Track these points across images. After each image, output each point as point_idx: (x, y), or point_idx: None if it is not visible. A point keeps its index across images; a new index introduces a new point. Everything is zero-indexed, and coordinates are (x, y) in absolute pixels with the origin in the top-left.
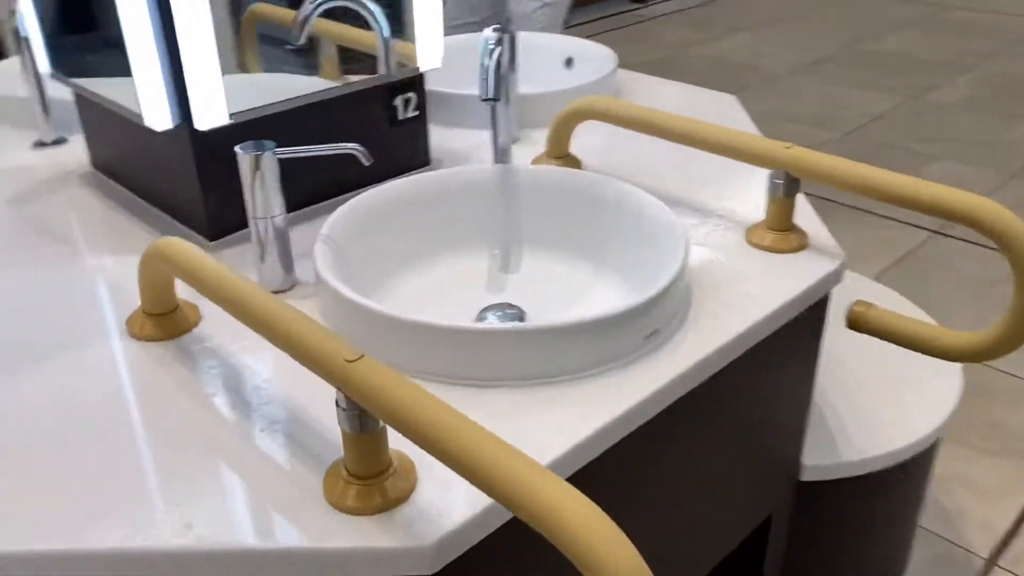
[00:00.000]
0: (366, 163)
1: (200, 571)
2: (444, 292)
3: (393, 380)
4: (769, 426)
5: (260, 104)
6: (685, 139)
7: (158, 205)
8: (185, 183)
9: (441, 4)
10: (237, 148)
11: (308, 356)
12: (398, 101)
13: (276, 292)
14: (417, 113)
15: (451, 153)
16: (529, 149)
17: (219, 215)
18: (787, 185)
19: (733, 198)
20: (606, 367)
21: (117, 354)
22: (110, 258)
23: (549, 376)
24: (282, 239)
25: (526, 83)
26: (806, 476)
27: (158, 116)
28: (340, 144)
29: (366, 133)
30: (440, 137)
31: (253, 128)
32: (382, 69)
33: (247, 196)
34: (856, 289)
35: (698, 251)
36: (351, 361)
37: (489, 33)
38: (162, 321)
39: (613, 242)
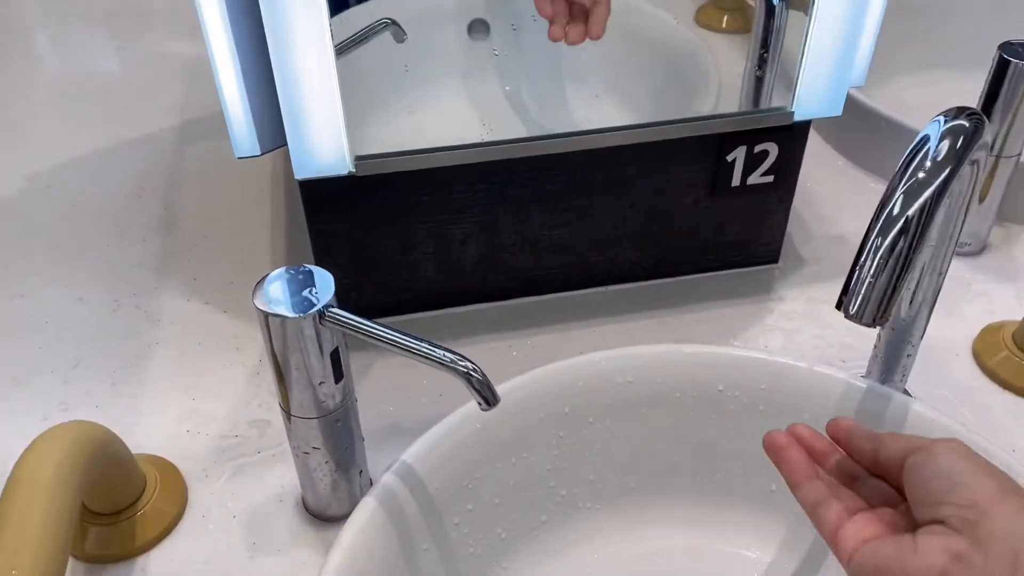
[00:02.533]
0: (484, 408)
1: None
2: None
3: None
4: None
5: (424, 146)
6: None
7: None
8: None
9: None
10: (257, 298)
11: None
12: (736, 154)
13: (326, 519)
14: (772, 178)
15: (826, 246)
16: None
17: (340, 295)
18: None
19: None
20: None
21: None
22: None
23: None
24: (334, 440)
25: None
26: None
27: (238, 130)
28: (451, 355)
29: (652, 200)
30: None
31: (416, 182)
32: (742, 100)
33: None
34: None
35: None
36: None
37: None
38: None
39: None
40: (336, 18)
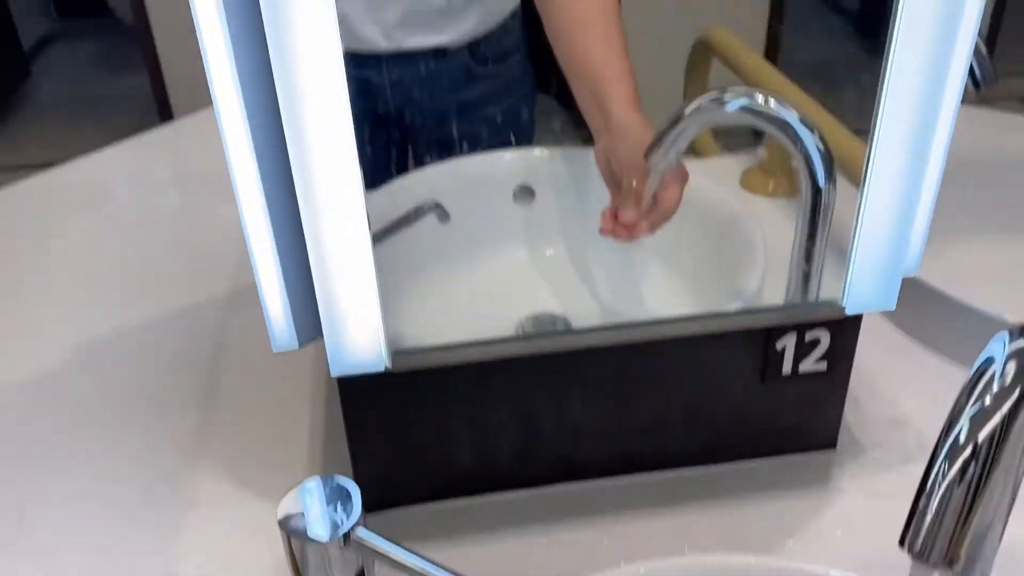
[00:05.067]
0: None
1: None
2: None
3: None
4: None
5: (462, 336)
6: None
7: None
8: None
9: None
10: (281, 512)
11: None
12: (785, 342)
13: None
14: (825, 366)
15: (885, 430)
16: None
17: (376, 482)
18: None
19: None
20: None
21: None
22: None
23: None
24: None
25: None
26: None
27: (277, 326)
28: None
29: (699, 388)
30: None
31: (453, 374)
32: (791, 292)
33: None
34: None
35: None
36: None
37: None
38: None
39: None
40: (382, 190)
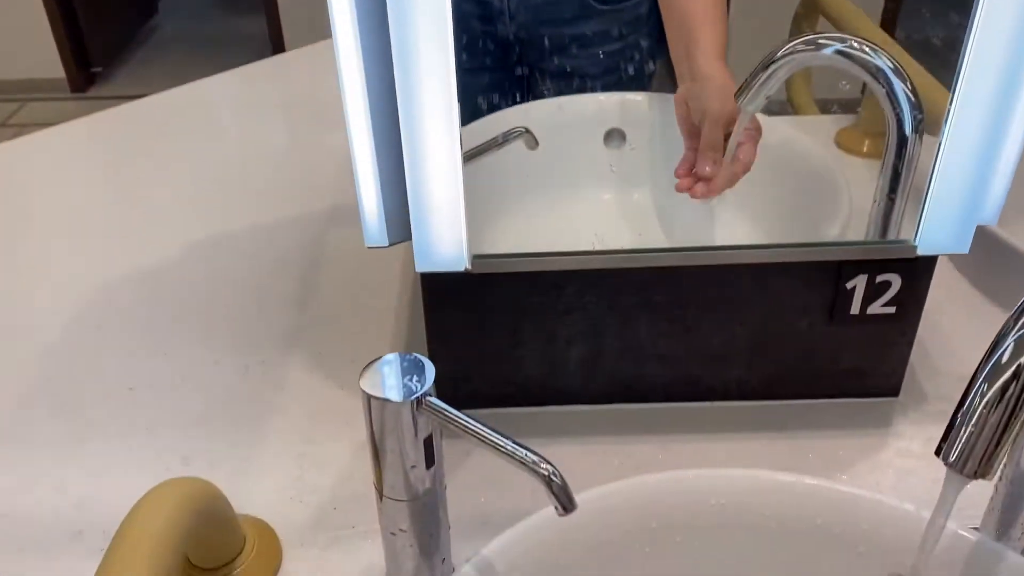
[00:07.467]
0: (560, 513)
1: None
2: None
3: None
4: None
5: (539, 249)
6: None
7: None
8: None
9: None
10: (362, 378)
11: None
12: (856, 282)
13: None
14: (894, 309)
15: (952, 384)
16: None
17: (449, 381)
18: None
19: None
20: None
21: None
22: None
23: None
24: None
25: None
26: None
27: (370, 223)
28: (533, 456)
29: (764, 320)
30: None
31: (528, 283)
32: (870, 228)
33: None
34: None
35: None
36: None
37: None
38: None
39: None
40: (483, 120)
